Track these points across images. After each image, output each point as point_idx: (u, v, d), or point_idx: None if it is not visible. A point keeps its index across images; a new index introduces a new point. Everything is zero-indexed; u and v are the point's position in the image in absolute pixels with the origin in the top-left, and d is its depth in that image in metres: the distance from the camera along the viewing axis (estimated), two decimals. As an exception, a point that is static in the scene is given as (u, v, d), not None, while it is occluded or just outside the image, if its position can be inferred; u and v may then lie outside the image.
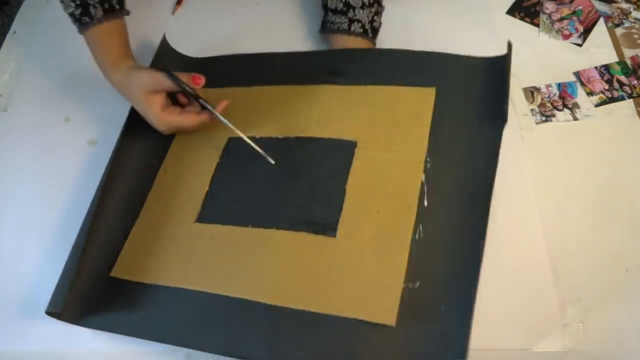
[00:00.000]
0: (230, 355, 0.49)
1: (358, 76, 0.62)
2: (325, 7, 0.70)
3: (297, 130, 0.60)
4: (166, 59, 0.68)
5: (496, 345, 0.51)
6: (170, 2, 0.80)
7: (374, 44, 0.68)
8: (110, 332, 0.52)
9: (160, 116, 0.58)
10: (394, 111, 0.59)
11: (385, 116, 0.59)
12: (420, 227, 0.51)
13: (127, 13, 0.64)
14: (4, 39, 0.79)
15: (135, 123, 0.62)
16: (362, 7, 0.66)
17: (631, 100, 0.66)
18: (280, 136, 0.60)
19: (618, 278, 0.54)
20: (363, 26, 0.66)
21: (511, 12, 0.75)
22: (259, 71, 0.67)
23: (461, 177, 0.53)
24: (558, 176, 0.60)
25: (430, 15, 0.75)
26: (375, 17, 0.67)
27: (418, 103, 0.58)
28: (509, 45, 0.58)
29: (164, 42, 0.70)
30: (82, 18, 0.60)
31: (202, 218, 0.57)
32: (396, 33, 0.71)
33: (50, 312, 0.52)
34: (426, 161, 0.54)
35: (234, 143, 0.60)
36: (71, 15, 0.61)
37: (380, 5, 0.68)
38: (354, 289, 0.49)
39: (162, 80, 0.57)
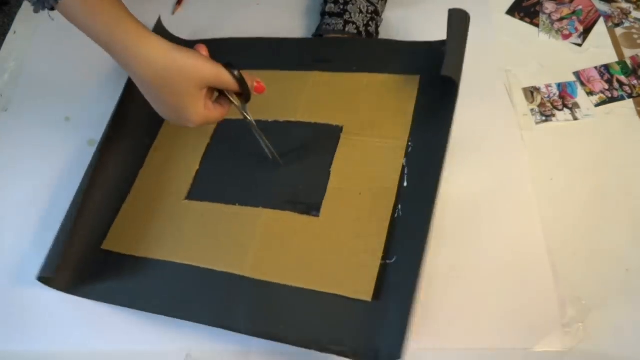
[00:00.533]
0: (215, 326, 0.50)
1: (346, 64, 0.64)
2: (322, 13, 0.71)
3: (286, 115, 0.62)
4: None
5: (496, 345, 0.51)
6: (170, 2, 0.80)
7: None
8: (99, 301, 0.54)
9: (203, 113, 0.48)
10: (380, 98, 0.61)
11: (371, 102, 0.61)
12: (400, 206, 0.53)
13: None
14: (4, 39, 0.79)
15: (129, 101, 0.64)
16: (360, 13, 0.67)
17: (631, 100, 0.66)
18: (269, 120, 0.62)
19: (618, 278, 0.54)
20: (357, 28, 0.67)
21: (511, 12, 0.75)
22: (250, 55, 0.68)
23: (438, 157, 0.54)
24: (558, 176, 0.60)
25: (430, 15, 0.74)
26: (371, 23, 0.68)
27: (403, 90, 0.60)
28: (460, 15, 0.57)
29: (159, 24, 0.71)
30: None
31: (192, 195, 0.59)
32: (396, 33, 0.71)
33: (42, 279, 0.54)
34: (408, 145, 0.57)
35: (225, 125, 0.61)
36: None
37: (378, 15, 0.69)
38: (334, 266, 0.52)
39: (226, 79, 0.47)
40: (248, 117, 0.54)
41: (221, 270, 0.53)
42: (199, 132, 0.63)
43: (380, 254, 0.51)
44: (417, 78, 0.61)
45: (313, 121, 0.61)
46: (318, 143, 0.60)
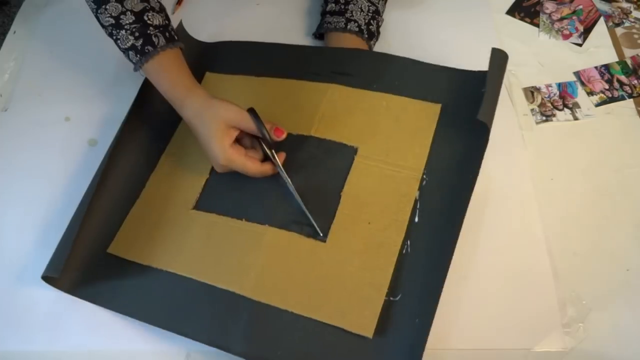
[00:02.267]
0: (211, 345, 0.50)
1: (365, 80, 0.62)
2: (323, 13, 0.71)
3: (301, 128, 0.60)
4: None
5: (496, 345, 0.51)
6: (170, 2, 0.80)
7: (370, 47, 0.68)
8: (100, 306, 0.54)
9: (228, 151, 0.55)
10: (398, 122, 0.59)
11: (389, 126, 0.59)
12: (409, 242, 0.52)
13: (182, 45, 0.61)
14: (4, 39, 0.79)
15: (143, 105, 0.63)
16: (361, 11, 0.67)
17: (631, 100, 0.66)
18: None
19: (618, 278, 0.54)
20: (359, 26, 0.67)
21: (511, 12, 0.75)
22: (265, 60, 0.68)
23: (454, 194, 0.53)
24: (558, 176, 0.60)
25: (430, 15, 0.75)
26: (372, 22, 0.68)
27: (422, 118, 0.58)
28: (500, 56, 0.57)
29: (180, 27, 0.71)
30: (145, 48, 0.57)
31: (199, 206, 0.58)
32: (396, 33, 0.71)
33: (46, 278, 0.54)
34: (423, 178, 0.55)
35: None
36: (131, 48, 0.58)
37: (379, 14, 0.69)
38: (337, 297, 0.50)
39: (247, 120, 0.55)
40: (282, 173, 0.56)
41: (222, 287, 0.52)
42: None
43: (385, 289, 0.50)
44: (438, 107, 0.58)
45: (328, 138, 0.59)
46: (331, 163, 0.58)
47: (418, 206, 0.53)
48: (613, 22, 0.73)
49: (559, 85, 0.67)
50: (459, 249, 0.55)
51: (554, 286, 0.53)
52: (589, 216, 0.58)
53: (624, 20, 0.73)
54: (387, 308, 0.49)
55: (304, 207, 0.54)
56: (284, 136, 0.56)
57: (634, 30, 0.72)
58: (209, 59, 0.69)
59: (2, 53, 0.78)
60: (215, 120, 0.55)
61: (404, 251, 0.52)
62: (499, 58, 0.56)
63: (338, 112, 0.61)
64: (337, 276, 0.51)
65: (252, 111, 0.55)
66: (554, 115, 0.65)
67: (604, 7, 0.74)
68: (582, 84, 0.67)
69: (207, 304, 0.52)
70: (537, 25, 0.73)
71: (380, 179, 0.56)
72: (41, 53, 0.77)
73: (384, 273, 0.50)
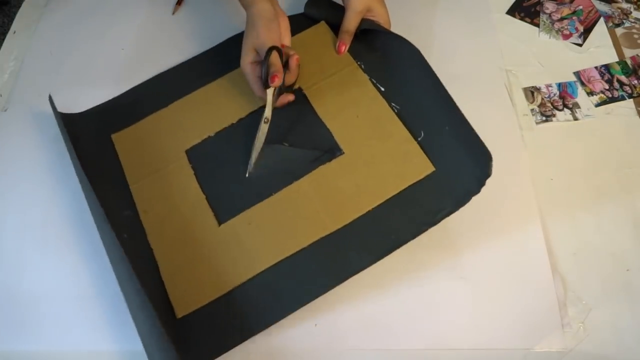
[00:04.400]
0: (339, 282, 0.52)
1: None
2: None
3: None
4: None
5: (496, 345, 0.51)
6: (170, 2, 0.80)
7: None
8: (223, 353, 0.51)
9: (246, 66, 0.60)
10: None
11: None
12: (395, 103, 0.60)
13: None
14: (4, 39, 0.79)
15: (92, 182, 0.58)
16: None
17: (631, 100, 0.66)
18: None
19: (618, 278, 0.54)
20: None
21: (511, 12, 0.75)
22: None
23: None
24: (558, 176, 0.60)
25: (430, 15, 0.75)
26: None
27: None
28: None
29: (53, 105, 0.66)
30: None
31: (221, 219, 0.57)
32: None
33: None
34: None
35: (194, 151, 0.62)
36: None
37: None
38: (387, 172, 0.56)
39: (275, 57, 0.58)
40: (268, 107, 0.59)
41: (307, 244, 0.54)
42: (178, 171, 0.60)
43: (410, 137, 0.57)
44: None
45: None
46: (293, 111, 0.62)
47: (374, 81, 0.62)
48: (613, 23, 0.73)
49: (559, 85, 0.67)
50: (459, 249, 0.56)
51: (554, 286, 0.53)
52: (589, 216, 0.58)
53: (624, 21, 0.73)
54: (424, 145, 0.57)
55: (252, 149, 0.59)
56: (274, 84, 0.58)
57: (634, 31, 0.72)
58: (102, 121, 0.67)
59: (2, 53, 0.78)
60: (249, 41, 0.59)
61: (395, 110, 0.59)
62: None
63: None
64: (375, 160, 0.57)
65: (272, 49, 0.57)
66: (554, 115, 0.65)
67: (604, 7, 0.74)
68: (582, 84, 0.67)
69: (306, 267, 0.53)
70: (537, 25, 0.73)
71: (338, 92, 0.62)
72: (41, 53, 0.77)
73: (398, 129, 0.58)
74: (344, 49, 0.65)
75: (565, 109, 0.65)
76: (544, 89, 0.67)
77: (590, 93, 0.66)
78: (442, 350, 0.51)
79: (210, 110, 0.65)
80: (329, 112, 0.61)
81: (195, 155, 0.62)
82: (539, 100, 0.66)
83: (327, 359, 0.52)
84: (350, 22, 0.64)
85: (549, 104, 0.66)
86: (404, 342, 0.52)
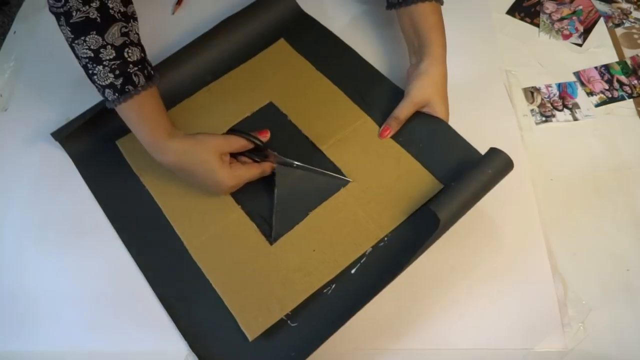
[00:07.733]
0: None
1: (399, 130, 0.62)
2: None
3: (317, 138, 0.63)
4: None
5: (496, 345, 0.51)
6: (170, 2, 0.80)
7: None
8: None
9: (231, 174, 0.57)
10: (398, 180, 0.59)
11: (388, 179, 0.59)
12: (333, 286, 0.54)
13: (158, 80, 0.58)
14: (4, 39, 0.79)
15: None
16: None
17: (631, 100, 0.66)
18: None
19: (618, 278, 0.54)
20: None
21: (511, 12, 0.75)
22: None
23: (388, 269, 0.52)
24: (558, 176, 0.60)
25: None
26: None
27: (419, 188, 0.58)
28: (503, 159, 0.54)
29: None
30: (126, 87, 0.54)
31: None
32: (396, 33, 0.71)
33: None
34: (383, 239, 0.56)
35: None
36: (109, 87, 0.54)
37: None
38: (250, 292, 0.54)
39: (235, 140, 0.57)
40: (277, 168, 0.59)
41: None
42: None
43: (287, 311, 0.53)
44: (439, 187, 0.58)
45: (332, 160, 0.61)
46: (320, 182, 0.60)
47: (362, 261, 0.55)
48: (613, 23, 0.73)
49: (559, 85, 0.67)
50: (459, 250, 0.56)
51: (554, 286, 0.53)
52: (589, 216, 0.58)
53: (624, 21, 0.73)
54: (279, 327, 0.52)
55: (274, 208, 0.58)
56: (269, 135, 0.59)
57: (634, 31, 0.72)
58: None
59: (2, 53, 0.78)
60: (210, 154, 0.55)
61: (325, 291, 0.54)
62: (500, 159, 0.53)
63: (356, 143, 0.62)
64: (260, 274, 0.55)
65: (232, 131, 0.58)
66: (553, 115, 0.65)
67: (604, 7, 0.74)
68: (582, 84, 0.67)
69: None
70: (537, 25, 0.73)
71: (348, 219, 0.57)
72: (41, 53, 0.77)
73: (296, 298, 0.53)
74: (388, 134, 0.61)
75: (565, 110, 0.65)
76: (543, 89, 0.67)
77: (590, 93, 0.66)
78: (442, 350, 0.51)
79: (326, 114, 0.65)
80: (316, 219, 0.58)
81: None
82: (538, 100, 0.66)
83: (327, 359, 0.52)
84: (403, 111, 0.61)
85: (549, 105, 0.66)
86: (404, 342, 0.52)
